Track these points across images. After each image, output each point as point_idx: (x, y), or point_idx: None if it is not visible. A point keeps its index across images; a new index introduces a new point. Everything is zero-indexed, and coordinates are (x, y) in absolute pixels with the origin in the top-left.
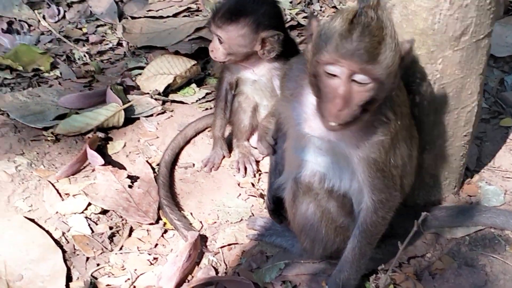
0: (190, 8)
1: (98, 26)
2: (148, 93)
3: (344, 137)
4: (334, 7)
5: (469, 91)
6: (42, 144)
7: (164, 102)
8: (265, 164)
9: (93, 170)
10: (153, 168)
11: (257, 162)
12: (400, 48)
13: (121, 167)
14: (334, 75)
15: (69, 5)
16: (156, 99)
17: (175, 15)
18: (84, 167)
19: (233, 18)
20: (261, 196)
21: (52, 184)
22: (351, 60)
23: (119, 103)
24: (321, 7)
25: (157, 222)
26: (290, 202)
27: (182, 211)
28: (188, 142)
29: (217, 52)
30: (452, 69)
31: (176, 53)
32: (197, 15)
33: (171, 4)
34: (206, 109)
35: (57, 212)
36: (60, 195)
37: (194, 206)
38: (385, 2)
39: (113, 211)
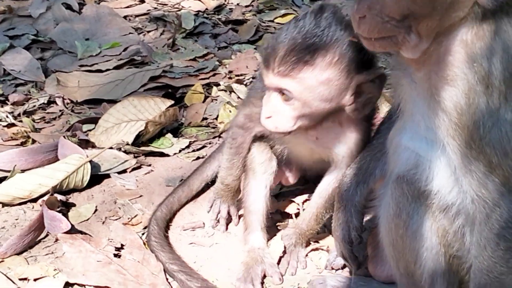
0: (134, 60)
1: (17, 85)
2: (111, 148)
3: None
4: None
5: None
6: None
7: (136, 156)
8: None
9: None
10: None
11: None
12: None
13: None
14: None
15: None
16: (126, 152)
17: (116, 68)
18: (43, 238)
19: (307, 56)
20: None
21: None
22: None
23: (82, 154)
24: None
25: None
26: (392, 220)
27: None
28: (192, 198)
29: (281, 117)
30: None
31: None
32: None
33: (107, 58)
34: (198, 158)
35: None
36: (13, 282)
37: (223, 274)
38: None
39: None
